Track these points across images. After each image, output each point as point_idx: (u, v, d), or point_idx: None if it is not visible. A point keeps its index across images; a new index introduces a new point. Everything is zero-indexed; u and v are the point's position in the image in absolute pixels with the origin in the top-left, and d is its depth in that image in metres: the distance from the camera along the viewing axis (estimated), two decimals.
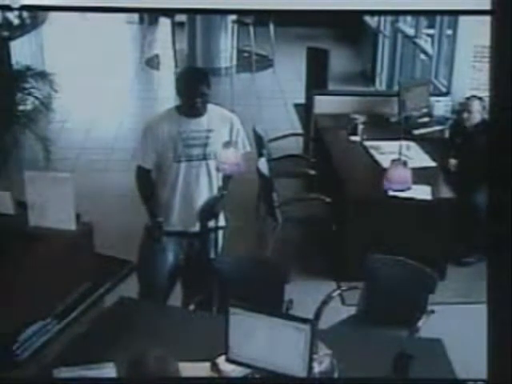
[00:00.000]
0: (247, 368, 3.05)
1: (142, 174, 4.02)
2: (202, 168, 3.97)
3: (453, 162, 5.35)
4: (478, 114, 5.33)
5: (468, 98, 5.49)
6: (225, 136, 3.96)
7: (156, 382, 3.07)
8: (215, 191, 4.05)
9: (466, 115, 5.38)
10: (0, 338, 3.05)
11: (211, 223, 4.07)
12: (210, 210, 4.03)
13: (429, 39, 7.75)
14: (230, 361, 3.07)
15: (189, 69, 3.97)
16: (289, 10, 2.81)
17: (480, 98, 5.37)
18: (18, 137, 6.62)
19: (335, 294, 4.16)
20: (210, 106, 3.98)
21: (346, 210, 5.13)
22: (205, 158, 3.96)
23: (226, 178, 4.11)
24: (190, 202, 4.00)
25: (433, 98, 6.39)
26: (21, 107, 6.70)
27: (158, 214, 4.01)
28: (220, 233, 4.19)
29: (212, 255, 4.13)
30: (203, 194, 4.01)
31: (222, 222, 4.18)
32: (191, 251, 4.12)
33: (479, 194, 4.94)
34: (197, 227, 4.05)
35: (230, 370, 3.09)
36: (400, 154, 5.13)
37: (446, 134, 5.86)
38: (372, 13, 6.65)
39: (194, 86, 3.89)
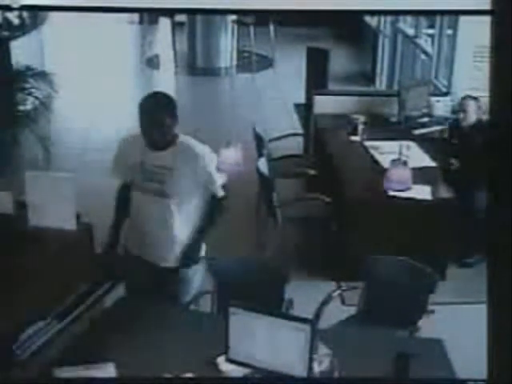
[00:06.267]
0: (247, 368, 3.06)
1: (120, 189, 3.84)
2: (158, 204, 3.62)
3: (454, 161, 5.34)
4: (473, 114, 5.32)
5: (463, 98, 5.49)
6: (188, 176, 3.57)
7: (156, 382, 3.08)
8: (174, 233, 3.67)
9: (461, 115, 5.39)
10: (0, 337, 3.05)
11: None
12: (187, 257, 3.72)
13: (429, 39, 7.75)
14: (230, 361, 3.07)
15: (148, 95, 3.60)
16: (289, 10, 2.81)
17: (475, 98, 5.36)
18: (18, 137, 6.62)
19: (335, 294, 4.15)
20: (180, 140, 3.60)
21: (346, 210, 5.13)
22: (162, 195, 3.60)
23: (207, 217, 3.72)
24: (142, 233, 3.71)
25: (433, 98, 6.39)
26: (21, 107, 6.71)
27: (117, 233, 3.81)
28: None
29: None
30: (154, 231, 3.67)
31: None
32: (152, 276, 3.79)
33: (478, 194, 4.94)
34: (153, 258, 3.74)
35: (229, 370, 3.10)
36: (400, 153, 5.15)
37: (446, 134, 5.86)
38: (372, 13, 6.66)
39: (151, 116, 3.49)
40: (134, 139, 3.67)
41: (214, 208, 3.75)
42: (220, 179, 3.68)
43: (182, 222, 3.68)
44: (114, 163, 3.81)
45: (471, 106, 5.34)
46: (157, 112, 3.50)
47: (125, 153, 3.71)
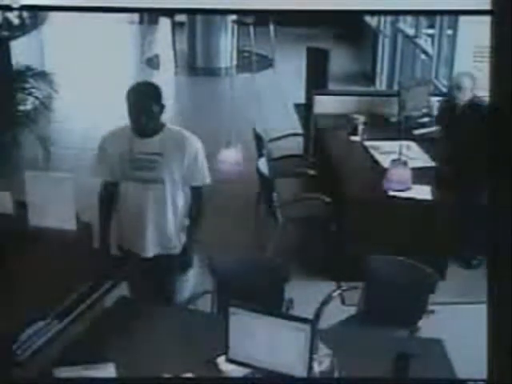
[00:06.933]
0: (247, 368, 3.06)
1: (103, 187, 3.84)
2: (152, 191, 3.69)
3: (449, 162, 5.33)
4: (469, 91, 5.28)
5: (458, 75, 5.45)
6: (177, 162, 3.68)
7: (156, 382, 3.08)
8: (169, 217, 3.74)
9: (456, 92, 5.32)
10: (0, 338, 3.05)
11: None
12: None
13: (429, 39, 7.76)
14: (230, 361, 3.07)
15: (135, 84, 3.71)
16: (289, 10, 2.81)
17: (470, 75, 5.33)
18: (18, 137, 6.62)
19: (335, 294, 4.15)
20: (167, 127, 3.71)
21: (346, 210, 5.13)
22: (155, 181, 3.68)
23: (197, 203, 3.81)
24: (139, 226, 3.75)
25: (433, 98, 6.39)
26: (21, 107, 6.71)
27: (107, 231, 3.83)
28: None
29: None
30: (150, 219, 3.73)
31: (176, 249, 3.85)
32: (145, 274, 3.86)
33: (477, 195, 4.94)
34: (148, 252, 3.80)
35: (229, 370, 3.10)
36: (400, 153, 5.16)
37: (436, 112, 5.84)
38: (372, 13, 6.66)
39: (137, 103, 3.60)
40: (118, 132, 3.77)
41: (200, 197, 3.81)
42: (206, 167, 3.77)
43: (175, 208, 3.75)
44: (97, 161, 3.84)
45: (466, 82, 5.29)
46: (144, 99, 3.62)
47: (109, 148, 3.76)
